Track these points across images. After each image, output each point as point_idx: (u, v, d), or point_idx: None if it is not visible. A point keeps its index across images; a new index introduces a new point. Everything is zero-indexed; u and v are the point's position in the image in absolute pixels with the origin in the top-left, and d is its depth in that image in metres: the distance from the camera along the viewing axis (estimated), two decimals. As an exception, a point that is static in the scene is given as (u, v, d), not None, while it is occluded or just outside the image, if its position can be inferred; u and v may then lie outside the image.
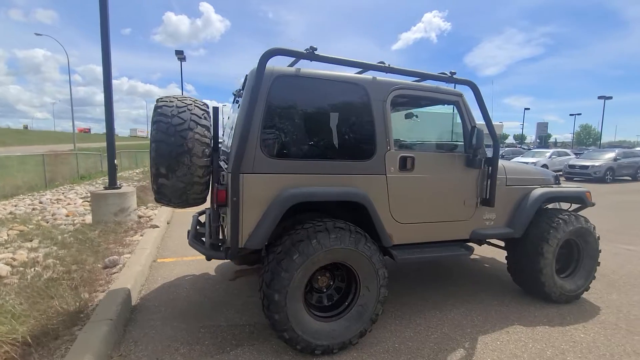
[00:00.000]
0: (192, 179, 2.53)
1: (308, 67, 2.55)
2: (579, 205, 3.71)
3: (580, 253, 3.43)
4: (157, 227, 5.28)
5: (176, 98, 2.66)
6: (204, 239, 2.95)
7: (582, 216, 3.36)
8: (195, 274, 3.80)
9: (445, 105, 3.11)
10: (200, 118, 2.56)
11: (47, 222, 5.80)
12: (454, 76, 2.88)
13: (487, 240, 3.41)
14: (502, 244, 3.59)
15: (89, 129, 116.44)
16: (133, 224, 5.46)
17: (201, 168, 2.52)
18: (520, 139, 63.37)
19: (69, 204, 7.69)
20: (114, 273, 3.56)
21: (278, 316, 2.23)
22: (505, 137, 77.76)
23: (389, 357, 2.40)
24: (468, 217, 3.07)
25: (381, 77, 2.75)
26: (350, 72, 2.79)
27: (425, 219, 2.90)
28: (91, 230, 4.85)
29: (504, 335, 2.72)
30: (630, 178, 16.92)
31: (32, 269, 3.44)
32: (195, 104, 2.62)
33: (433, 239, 2.99)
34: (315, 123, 2.61)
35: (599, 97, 33.65)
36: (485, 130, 2.95)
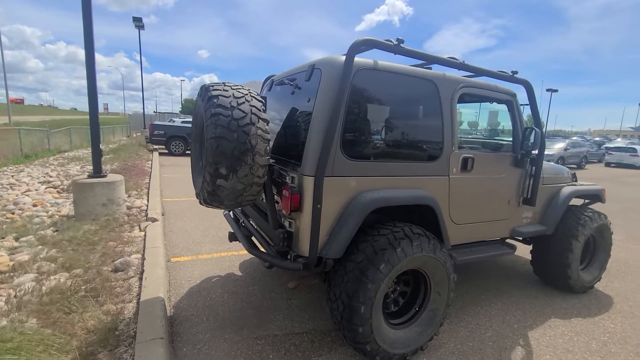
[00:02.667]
0: (253, 179, 2.26)
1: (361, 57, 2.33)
2: (589, 200, 3.97)
3: (596, 246, 3.69)
4: (156, 220, 4.80)
5: (229, 86, 2.32)
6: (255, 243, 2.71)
7: (602, 213, 3.59)
8: (221, 275, 3.52)
9: (497, 103, 3.08)
10: (260, 111, 2.26)
11: (13, 214, 5.05)
12: (514, 75, 2.84)
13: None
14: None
15: (22, 100, 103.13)
16: (125, 217, 4.91)
17: (262, 168, 2.26)
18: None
19: (28, 190, 6.75)
20: (131, 278, 3.17)
21: (362, 329, 2.11)
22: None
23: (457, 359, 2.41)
24: (511, 216, 3.13)
25: (448, 72, 2.62)
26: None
27: (477, 219, 2.91)
28: (80, 226, 4.28)
29: (548, 329, 2.86)
30: (575, 166, 18.75)
31: (29, 276, 2.95)
32: (252, 94, 2.31)
33: (480, 239, 3.03)
34: (390, 121, 2.44)
35: (547, 90, 36.47)
36: None
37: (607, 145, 23.03)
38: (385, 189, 2.32)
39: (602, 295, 3.57)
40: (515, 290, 3.56)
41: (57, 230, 4.34)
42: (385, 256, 2.11)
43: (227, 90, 2.26)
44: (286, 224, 2.32)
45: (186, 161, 12.83)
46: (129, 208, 5.39)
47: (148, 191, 6.83)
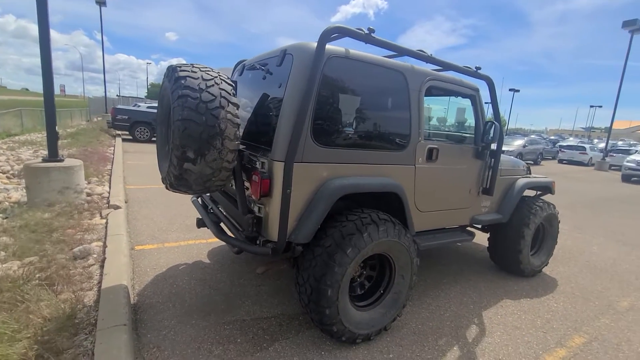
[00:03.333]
0: (222, 164, 2.24)
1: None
2: (540, 192, 4.29)
3: (544, 234, 4.01)
4: (119, 207, 4.60)
5: (198, 68, 2.27)
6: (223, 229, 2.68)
7: (552, 203, 3.90)
8: (188, 262, 3.46)
9: (462, 97, 3.22)
10: (230, 95, 2.23)
11: (-45, 200, 4.64)
12: (478, 71, 2.99)
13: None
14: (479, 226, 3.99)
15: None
16: (85, 205, 4.66)
17: (232, 152, 2.23)
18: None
19: (-28, 175, 6.21)
20: (91, 266, 3.04)
21: (329, 310, 2.18)
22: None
23: (418, 339, 2.55)
24: (471, 205, 3.32)
25: (416, 65, 2.71)
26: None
27: (440, 207, 3.06)
28: (34, 213, 4.01)
29: (500, 309, 3.10)
30: (532, 162, 20.02)
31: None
32: (221, 77, 2.27)
33: (442, 226, 3.19)
34: (360, 110, 2.49)
35: (510, 89, 38.37)
36: None
37: (561, 143, 24.75)
38: (353, 176, 2.38)
39: (548, 279, 3.90)
40: (474, 275, 3.80)
41: (6, 218, 4.05)
42: (353, 241, 2.18)
43: (196, 72, 2.20)
44: (255, 209, 2.32)
45: (152, 148, 12.29)
46: (88, 195, 5.11)
47: (110, 178, 6.51)
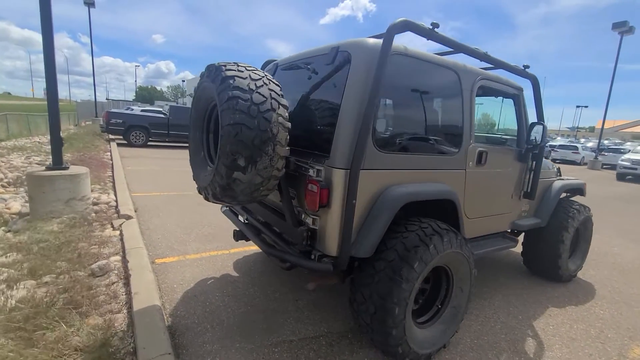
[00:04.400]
0: (272, 172, 2.04)
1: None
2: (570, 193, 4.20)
3: (579, 237, 3.91)
4: (130, 217, 4.33)
5: (244, 67, 2.07)
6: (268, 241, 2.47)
7: (586, 206, 3.80)
8: (215, 276, 3.23)
9: (504, 97, 3.09)
10: (279, 96, 2.04)
11: (-50, 212, 4.30)
12: (526, 69, 2.86)
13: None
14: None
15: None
16: (93, 215, 4.38)
17: (282, 159, 2.05)
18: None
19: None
20: (114, 283, 2.79)
21: (395, 331, 1.99)
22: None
23: (478, 356, 2.39)
24: (512, 210, 3.19)
25: (467, 63, 2.56)
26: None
27: (486, 213, 2.92)
28: (42, 225, 3.72)
29: (549, 319, 2.96)
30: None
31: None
32: (268, 77, 2.08)
33: (486, 232, 3.05)
34: (418, 111, 2.33)
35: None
36: None
37: (552, 142, 25.10)
38: (411, 182, 2.21)
39: (583, 283, 3.80)
40: (510, 282, 3.66)
41: (9, 231, 3.75)
42: (419, 253, 2.00)
43: (243, 71, 2.01)
44: (308, 220, 2.12)
45: (150, 153, 11.94)
46: (95, 204, 4.81)
47: (114, 185, 6.20)
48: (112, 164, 8.53)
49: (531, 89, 3.03)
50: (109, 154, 10.38)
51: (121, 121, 13.41)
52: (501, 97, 3.10)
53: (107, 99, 39.78)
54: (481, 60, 2.54)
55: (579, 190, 4.00)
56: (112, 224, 4.14)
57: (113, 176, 6.98)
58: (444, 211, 2.43)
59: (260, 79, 2.01)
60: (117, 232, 3.87)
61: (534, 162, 3.15)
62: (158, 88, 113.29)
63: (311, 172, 2.07)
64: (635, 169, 14.77)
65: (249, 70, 2.04)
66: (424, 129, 2.39)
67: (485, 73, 2.67)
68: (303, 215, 2.18)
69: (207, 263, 3.50)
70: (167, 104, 17.23)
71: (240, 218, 2.93)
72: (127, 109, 16.67)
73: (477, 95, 3.24)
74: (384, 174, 2.10)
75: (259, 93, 1.94)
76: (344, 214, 1.93)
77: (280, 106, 2.00)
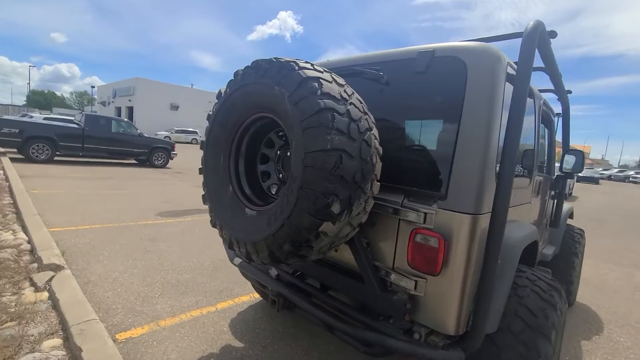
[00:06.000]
0: (362, 218, 1.45)
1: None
2: None
3: (575, 260, 3.99)
4: (61, 267, 3.07)
5: (312, 64, 1.45)
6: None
7: (582, 229, 3.90)
8: (214, 352, 2.33)
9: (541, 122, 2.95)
10: (368, 111, 1.47)
11: None
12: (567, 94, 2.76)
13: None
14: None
15: None
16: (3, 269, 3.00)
17: (372, 199, 1.46)
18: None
19: None
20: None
21: None
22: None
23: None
24: (541, 239, 3.04)
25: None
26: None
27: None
28: None
29: (572, 343, 2.83)
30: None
31: None
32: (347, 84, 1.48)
33: None
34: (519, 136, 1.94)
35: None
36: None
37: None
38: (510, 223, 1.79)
39: (581, 306, 3.85)
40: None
41: None
42: (550, 319, 1.56)
43: (322, 72, 1.39)
44: (405, 283, 1.53)
45: (61, 170, 9.70)
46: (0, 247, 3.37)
47: (19, 217, 4.59)
48: (10, 185, 6.52)
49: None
50: (1, 172, 8.04)
51: (17, 131, 10.69)
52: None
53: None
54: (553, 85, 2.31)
55: (571, 214, 4.12)
56: (32, 280, 2.87)
57: (15, 204, 5.23)
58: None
59: (345, 84, 1.41)
60: (45, 295, 2.65)
61: (557, 190, 3.06)
62: (58, 93, 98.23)
63: (412, 216, 1.49)
64: None
65: (327, 71, 1.42)
66: (520, 157, 2.03)
67: (543, 97, 2.46)
68: (392, 276, 1.57)
69: (193, 330, 2.56)
70: (81, 113, 14.61)
71: (271, 272, 2.11)
72: (22, 116, 13.58)
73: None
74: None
75: (354, 105, 1.34)
76: (470, 276, 1.40)
77: (373, 125, 1.42)
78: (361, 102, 1.41)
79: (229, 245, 1.60)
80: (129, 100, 40.59)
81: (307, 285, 1.99)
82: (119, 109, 43.11)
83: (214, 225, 1.73)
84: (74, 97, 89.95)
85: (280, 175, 1.73)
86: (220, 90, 1.72)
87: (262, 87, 1.44)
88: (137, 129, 13.16)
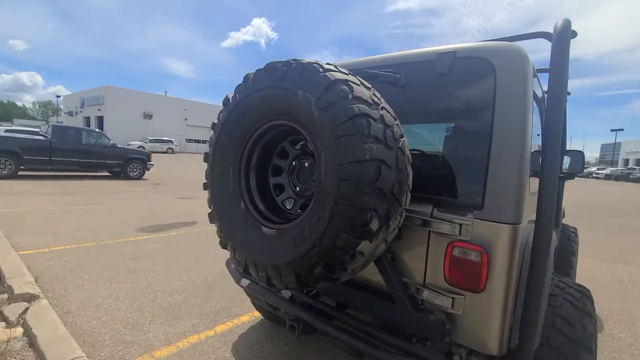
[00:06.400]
0: (395, 232, 1.33)
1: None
2: None
3: (567, 259, 4.05)
4: (36, 297, 2.74)
5: (335, 65, 1.33)
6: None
7: (574, 227, 3.97)
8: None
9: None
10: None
11: None
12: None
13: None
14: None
15: None
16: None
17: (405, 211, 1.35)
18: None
19: None
20: None
21: None
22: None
23: None
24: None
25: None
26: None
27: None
28: None
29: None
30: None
31: None
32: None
33: None
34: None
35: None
36: None
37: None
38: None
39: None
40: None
41: None
42: (588, 329, 1.49)
43: (348, 74, 1.27)
44: (441, 301, 1.41)
45: (26, 186, 9.03)
46: (-41, 280, 2.98)
47: (-17, 241, 4.14)
48: (-31, 206, 5.94)
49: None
50: (-43, 190, 7.35)
51: (-27, 144, 9.90)
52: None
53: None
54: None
55: (564, 212, 4.20)
56: (2, 315, 2.54)
57: (-23, 226, 4.74)
58: None
59: (371, 88, 1.29)
60: (20, 331, 2.34)
61: (557, 191, 3.08)
62: (19, 104, 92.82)
63: (446, 228, 1.39)
64: None
65: (351, 73, 1.30)
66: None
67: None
68: (425, 293, 1.46)
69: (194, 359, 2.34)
70: (48, 124, 13.76)
71: (284, 294, 1.92)
72: (-20, 129, 12.60)
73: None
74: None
75: (386, 110, 1.22)
76: (512, 290, 1.31)
77: (403, 132, 1.31)
78: (389, 108, 1.30)
79: (244, 269, 1.43)
80: (99, 110, 38.90)
81: (322, 304, 1.84)
82: (87, 119, 41.22)
83: (224, 247, 1.55)
84: (37, 107, 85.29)
85: (297, 188, 1.59)
86: (227, 96, 1.55)
87: (280, 92, 1.29)
88: (109, 140, 12.51)
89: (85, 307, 2.88)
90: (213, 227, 1.65)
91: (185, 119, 44.61)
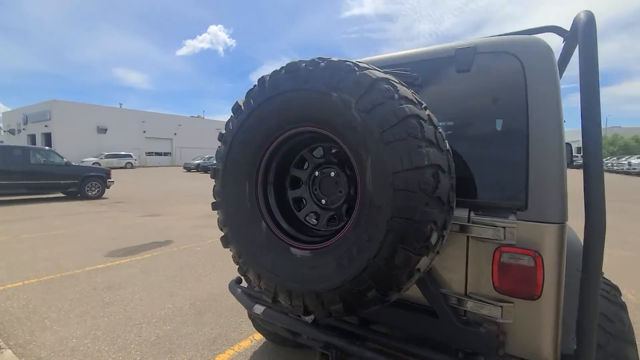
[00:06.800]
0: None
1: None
2: None
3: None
4: (-4, 349, 2.32)
5: (367, 65, 1.21)
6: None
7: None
8: None
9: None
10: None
11: None
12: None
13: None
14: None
15: None
16: None
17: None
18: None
19: None
20: None
21: None
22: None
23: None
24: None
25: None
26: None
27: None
28: None
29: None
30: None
31: None
32: None
33: None
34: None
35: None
36: None
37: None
38: None
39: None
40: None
41: None
42: (626, 323, 1.47)
43: (379, 74, 1.16)
44: (489, 311, 1.31)
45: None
46: None
47: None
48: None
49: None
50: None
51: None
52: None
53: None
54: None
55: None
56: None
57: None
58: None
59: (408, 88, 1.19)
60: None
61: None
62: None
63: (489, 233, 1.30)
64: None
65: (389, 73, 1.19)
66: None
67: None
68: (469, 304, 1.36)
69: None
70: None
71: (306, 318, 1.72)
72: None
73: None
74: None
75: (430, 112, 1.12)
76: (563, 293, 1.25)
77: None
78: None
79: (273, 299, 1.25)
80: (45, 126, 35.81)
81: (346, 324, 1.68)
82: (33, 137, 37.81)
83: (244, 274, 1.35)
84: (-31, 126, 76.92)
85: (323, 201, 1.43)
86: (237, 103, 1.37)
87: (308, 95, 1.14)
88: (62, 158, 11.47)
89: (58, 353, 2.50)
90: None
91: (144, 132, 42.39)
